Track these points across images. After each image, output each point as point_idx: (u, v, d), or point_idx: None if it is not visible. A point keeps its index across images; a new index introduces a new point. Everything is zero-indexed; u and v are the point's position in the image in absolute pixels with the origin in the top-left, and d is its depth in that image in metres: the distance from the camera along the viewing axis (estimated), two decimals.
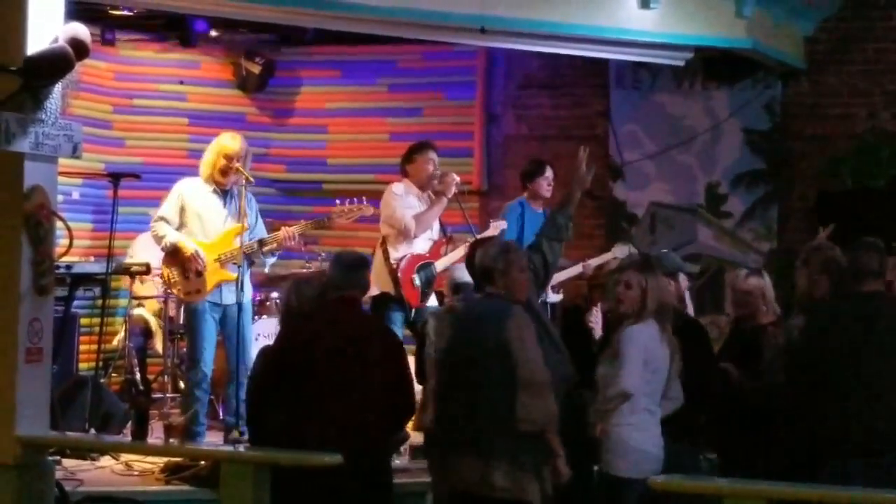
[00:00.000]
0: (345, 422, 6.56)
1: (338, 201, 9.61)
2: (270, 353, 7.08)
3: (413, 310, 9.51)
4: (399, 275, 9.53)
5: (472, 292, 7.74)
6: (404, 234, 9.64)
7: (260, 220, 9.54)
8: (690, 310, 8.51)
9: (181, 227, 9.27)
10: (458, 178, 9.88)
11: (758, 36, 10.90)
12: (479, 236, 9.71)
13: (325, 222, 9.80)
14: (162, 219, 9.30)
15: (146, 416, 6.75)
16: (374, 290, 9.58)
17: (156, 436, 7.27)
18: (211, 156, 9.33)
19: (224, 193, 9.35)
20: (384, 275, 9.62)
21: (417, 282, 9.58)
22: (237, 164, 9.21)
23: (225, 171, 9.26)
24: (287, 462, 6.33)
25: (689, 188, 12.21)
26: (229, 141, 9.33)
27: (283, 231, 9.34)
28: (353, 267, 7.04)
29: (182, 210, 9.30)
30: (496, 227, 10.04)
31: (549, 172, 10.52)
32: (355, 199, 9.55)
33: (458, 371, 6.76)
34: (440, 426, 6.85)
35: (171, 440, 6.66)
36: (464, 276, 7.97)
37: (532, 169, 10.66)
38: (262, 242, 9.26)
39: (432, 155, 9.89)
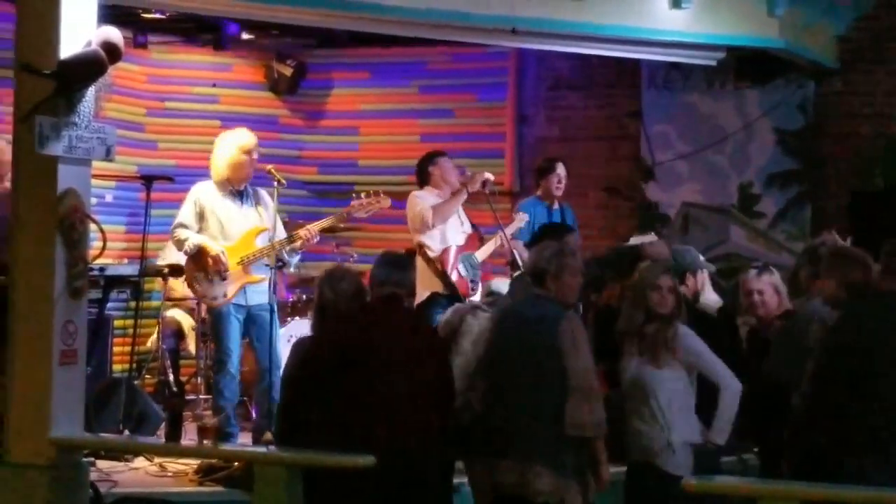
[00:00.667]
0: (400, 421, 6.49)
1: (354, 195, 9.63)
2: (311, 346, 6.95)
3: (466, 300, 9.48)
4: (447, 267, 9.53)
5: (506, 297, 7.77)
6: (424, 227, 9.66)
7: (278, 220, 9.50)
8: (712, 304, 8.51)
9: (200, 231, 9.27)
10: (491, 177, 9.90)
11: (790, 35, 10.86)
12: (505, 230, 9.76)
13: (345, 217, 9.81)
14: (181, 225, 9.29)
15: (180, 417, 6.77)
16: (422, 295, 9.53)
17: (189, 437, 7.27)
18: (226, 154, 9.30)
19: (239, 194, 9.37)
20: (429, 276, 9.61)
21: (464, 272, 9.62)
22: (249, 159, 9.24)
23: (242, 167, 9.27)
24: (319, 464, 6.32)
25: (721, 188, 12.18)
26: (243, 136, 9.35)
27: (304, 230, 9.34)
28: (397, 265, 6.96)
29: (200, 214, 9.29)
30: (521, 219, 10.10)
31: (559, 170, 10.54)
32: (373, 194, 9.58)
33: (506, 372, 6.74)
34: (484, 426, 6.83)
35: (204, 441, 6.64)
36: (500, 286, 8.00)
37: (543, 166, 10.72)
38: (283, 242, 9.27)
39: (445, 163, 9.94)
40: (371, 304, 6.83)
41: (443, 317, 7.79)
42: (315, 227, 9.40)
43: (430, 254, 9.66)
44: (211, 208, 9.28)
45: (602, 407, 6.61)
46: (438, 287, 9.61)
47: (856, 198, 11.44)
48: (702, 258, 8.78)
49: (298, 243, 9.32)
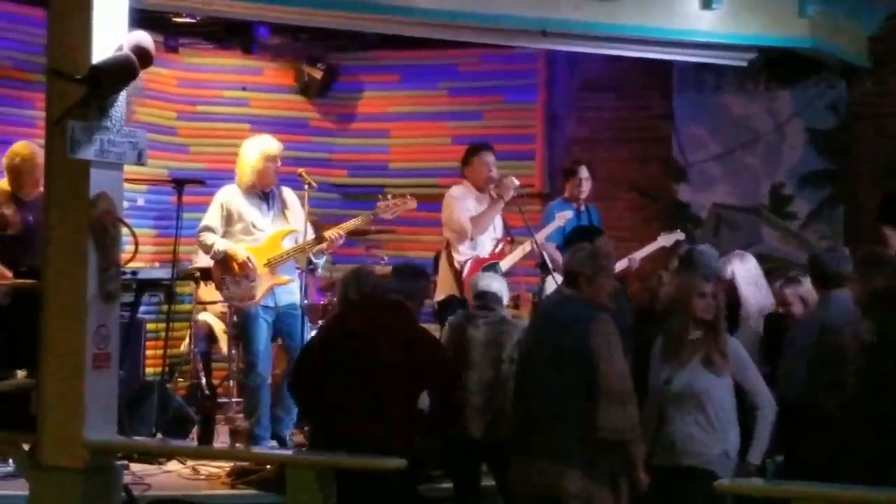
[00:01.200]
0: (355, 423, 6.63)
1: (381, 197, 9.62)
2: (308, 344, 7.14)
3: None
4: (463, 277, 9.54)
5: (496, 301, 7.79)
6: (462, 236, 9.68)
7: (307, 221, 9.52)
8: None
9: (226, 234, 9.33)
10: (516, 182, 9.87)
11: (820, 35, 10.83)
12: (538, 233, 9.74)
13: (371, 218, 9.82)
14: (207, 228, 9.36)
15: (212, 420, 6.79)
16: (440, 295, 9.67)
17: (221, 440, 7.29)
18: (250, 160, 9.35)
19: (265, 196, 9.39)
20: (449, 278, 9.65)
21: None
22: (272, 165, 9.30)
23: (266, 173, 9.30)
24: (350, 466, 6.35)
25: (753, 189, 12.15)
26: (268, 142, 9.40)
27: (331, 231, 9.35)
28: (406, 275, 7.09)
29: (227, 218, 9.34)
30: (562, 217, 10.08)
31: (582, 173, 10.51)
32: (399, 196, 9.58)
33: (539, 375, 6.74)
34: (517, 428, 6.83)
35: (237, 444, 6.66)
36: (489, 283, 8.00)
37: (567, 169, 10.73)
38: (310, 243, 9.28)
39: (488, 157, 9.92)
40: (368, 303, 6.94)
41: (443, 337, 7.83)
42: (342, 228, 9.41)
43: (456, 257, 9.67)
44: (237, 211, 9.32)
45: (636, 410, 6.60)
46: (456, 292, 9.61)
47: (888, 197, 11.37)
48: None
49: (325, 244, 9.34)
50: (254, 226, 9.32)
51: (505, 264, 9.73)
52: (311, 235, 9.37)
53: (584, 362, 6.57)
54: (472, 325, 7.70)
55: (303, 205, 9.46)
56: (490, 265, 9.63)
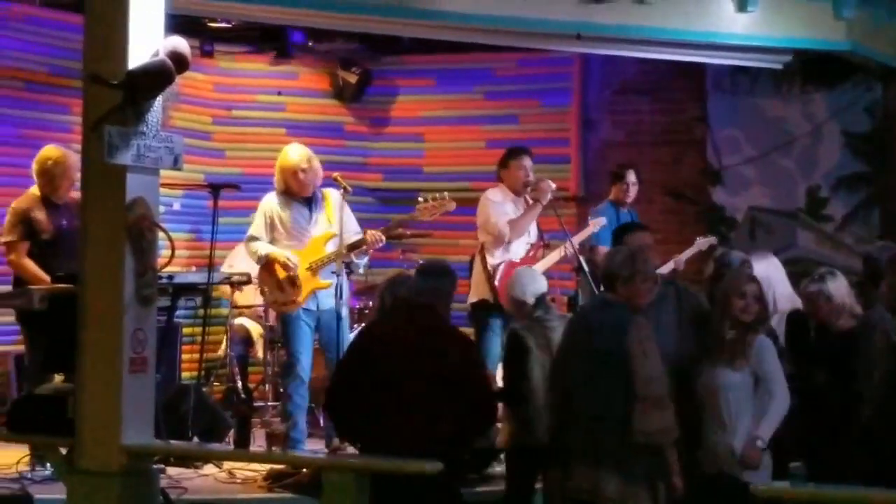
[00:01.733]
0: (401, 427, 6.55)
1: (420, 198, 9.63)
2: (345, 350, 7.11)
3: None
4: (496, 282, 9.53)
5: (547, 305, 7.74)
6: (499, 240, 9.69)
7: (352, 222, 9.54)
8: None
9: (272, 241, 9.40)
10: (553, 185, 9.86)
11: (857, 37, 10.77)
12: (573, 237, 9.73)
13: (410, 220, 9.82)
14: (252, 238, 9.45)
15: (248, 424, 6.82)
16: (473, 297, 9.70)
17: (258, 444, 7.32)
18: (284, 169, 9.42)
19: (307, 201, 9.43)
20: (482, 281, 9.67)
21: None
22: (302, 176, 9.29)
23: (302, 184, 9.36)
24: (386, 469, 6.35)
25: (788, 192, 12.12)
26: (286, 156, 9.43)
27: (370, 234, 9.36)
28: (430, 274, 7.03)
29: (271, 224, 9.41)
30: (596, 224, 10.07)
31: (630, 178, 10.56)
32: (437, 194, 9.59)
33: (575, 378, 6.73)
34: (555, 432, 6.82)
35: (273, 448, 6.68)
36: (541, 286, 7.93)
37: (616, 172, 10.75)
38: (351, 246, 9.31)
39: (526, 161, 9.91)
40: (398, 308, 6.95)
41: (532, 347, 7.66)
42: (380, 232, 9.41)
43: (489, 261, 9.68)
44: (280, 217, 9.38)
45: (672, 414, 6.59)
46: (488, 295, 9.61)
47: None
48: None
49: (364, 246, 9.35)
50: (296, 231, 9.39)
51: (540, 267, 9.69)
52: (357, 236, 9.40)
53: (621, 366, 6.56)
54: (551, 330, 7.58)
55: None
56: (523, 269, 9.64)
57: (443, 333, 6.96)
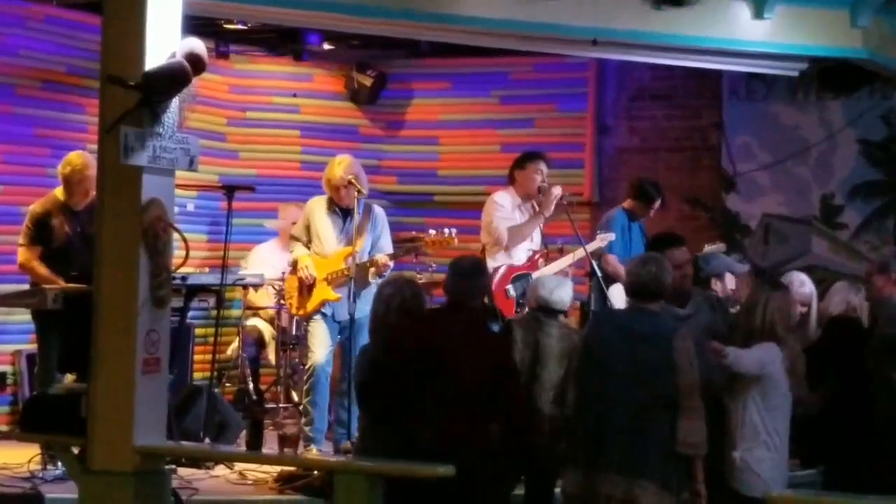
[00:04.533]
0: (449, 430, 6.53)
1: (432, 231, 9.65)
2: (393, 337, 7.03)
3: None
4: (494, 284, 9.52)
5: (561, 310, 7.72)
6: (498, 245, 9.69)
7: (385, 238, 9.63)
8: None
9: (308, 244, 9.61)
10: (559, 193, 9.82)
11: (874, 46, 10.75)
12: (587, 246, 9.71)
13: (414, 250, 10.03)
14: (294, 238, 9.72)
15: (261, 426, 6.80)
16: None
17: (269, 446, 7.30)
18: (327, 179, 9.54)
19: (344, 212, 9.47)
20: None
21: (512, 292, 9.60)
22: (343, 191, 9.35)
23: (341, 197, 9.45)
24: (399, 473, 6.34)
25: (803, 199, 12.11)
26: (331, 169, 9.51)
27: (380, 258, 9.37)
28: (466, 274, 6.98)
29: (307, 228, 9.61)
30: (604, 239, 10.03)
31: (657, 204, 10.58)
32: (444, 230, 9.62)
33: (613, 386, 6.72)
34: (587, 439, 6.79)
35: (286, 450, 6.68)
36: (560, 292, 7.91)
37: (647, 192, 10.58)
38: (366, 265, 9.35)
39: (543, 166, 9.92)
40: (437, 309, 6.91)
41: (518, 339, 7.67)
42: (390, 258, 9.42)
43: (490, 263, 9.66)
44: (314, 223, 9.59)
45: (705, 425, 6.62)
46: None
47: None
48: (729, 260, 8.72)
49: (373, 269, 9.37)
50: (325, 239, 9.54)
51: (550, 270, 9.70)
52: (387, 250, 9.52)
53: (665, 377, 6.55)
54: (544, 333, 7.58)
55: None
56: (521, 275, 9.62)
57: (485, 337, 7.03)
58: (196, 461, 8.42)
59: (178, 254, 6.97)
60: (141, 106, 6.46)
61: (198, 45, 6.73)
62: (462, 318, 6.85)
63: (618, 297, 9.69)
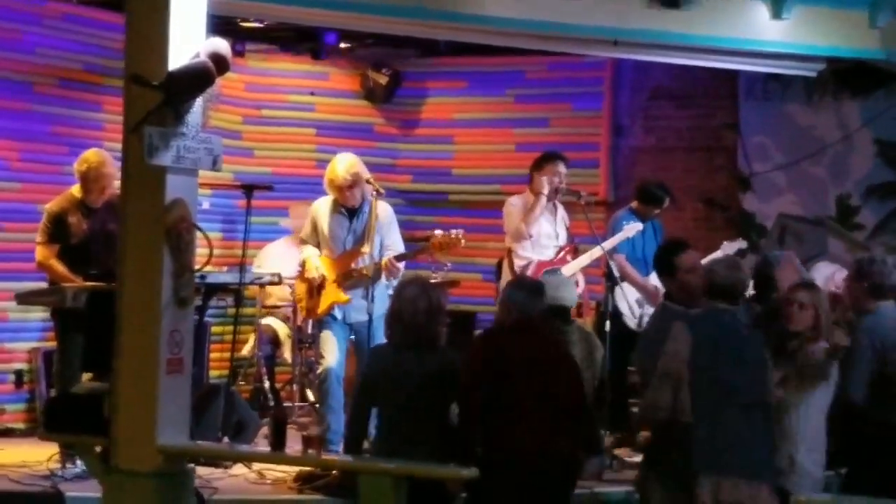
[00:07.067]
0: (523, 440, 6.69)
1: (438, 232, 9.62)
2: (472, 348, 7.20)
3: None
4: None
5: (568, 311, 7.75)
6: (521, 239, 9.76)
7: (395, 235, 9.57)
8: None
9: (317, 245, 9.54)
10: (556, 180, 9.87)
11: (891, 46, 10.72)
12: (604, 243, 9.72)
13: (422, 251, 9.93)
14: (303, 241, 9.67)
15: (284, 426, 6.79)
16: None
17: (289, 445, 7.29)
18: (328, 179, 9.47)
19: (351, 213, 9.45)
20: None
21: None
22: (347, 191, 9.32)
23: (345, 197, 9.39)
24: (424, 474, 6.36)
25: (819, 200, 12.08)
26: (332, 170, 9.42)
27: (388, 261, 9.33)
28: (535, 291, 7.12)
29: (314, 228, 9.54)
30: (632, 229, 10.07)
31: (665, 204, 10.58)
32: (452, 231, 9.57)
33: (724, 388, 6.72)
34: (691, 443, 6.78)
35: (309, 451, 6.67)
36: (564, 293, 7.91)
37: (656, 195, 10.57)
38: (370, 268, 9.32)
39: (561, 167, 9.96)
40: (510, 325, 7.05)
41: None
42: (397, 259, 9.38)
43: (517, 262, 9.73)
44: (321, 224, 9.52)
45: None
46: None
47: None
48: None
49: (384, 273, 9.34)
50: (332, 239, 9.48)
51: (568, 270, 9.73)
52: (398, 250, 9.46)
53: (767, 375, 6.74)
54: (569, 344, 7.64)
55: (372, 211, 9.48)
56: (551, 270, 9.64)
57: (559, 353, 7.16)
58: (215, 460, 8.42)
59: (200, 252, 6.97)
60: (165, 106, 6.45)
61: (222, 45, 6.73)
62: (531, 334, 7.02)
63: (629, 295, 9.73)
